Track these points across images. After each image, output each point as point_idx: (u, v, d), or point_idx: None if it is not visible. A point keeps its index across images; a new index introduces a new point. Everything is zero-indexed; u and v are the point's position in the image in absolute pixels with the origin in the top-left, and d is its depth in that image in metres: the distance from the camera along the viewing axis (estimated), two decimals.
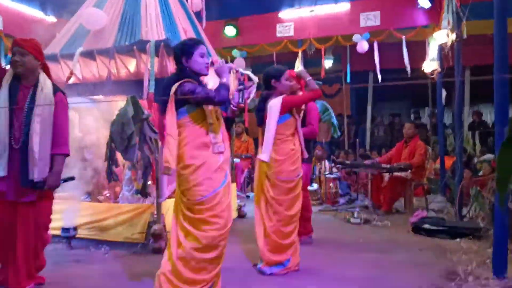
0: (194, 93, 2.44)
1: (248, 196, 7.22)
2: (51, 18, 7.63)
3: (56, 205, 4.33)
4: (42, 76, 2.87)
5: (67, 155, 2.89)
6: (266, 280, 3.15)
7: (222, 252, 2.54)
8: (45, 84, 2.84)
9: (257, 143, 3.40)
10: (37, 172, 2.70)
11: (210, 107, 2.55)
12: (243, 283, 3.07)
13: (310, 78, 3.27)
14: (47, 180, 2.74)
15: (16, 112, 2.76)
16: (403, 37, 7.33)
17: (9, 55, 2.87)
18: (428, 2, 6.80)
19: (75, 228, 4.03)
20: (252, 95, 5.48)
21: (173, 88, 2.45)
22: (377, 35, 7.60)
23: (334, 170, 7.01)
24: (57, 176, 2.81)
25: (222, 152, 2.55)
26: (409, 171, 5.69)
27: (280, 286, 3.02)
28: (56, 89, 2.90)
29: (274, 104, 3.21)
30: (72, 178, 3.10)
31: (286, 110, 3.22)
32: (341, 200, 6.62)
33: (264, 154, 3.21)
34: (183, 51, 2.56)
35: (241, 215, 5.53)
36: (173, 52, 2.67)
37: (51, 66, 4.25)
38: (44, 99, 2.78)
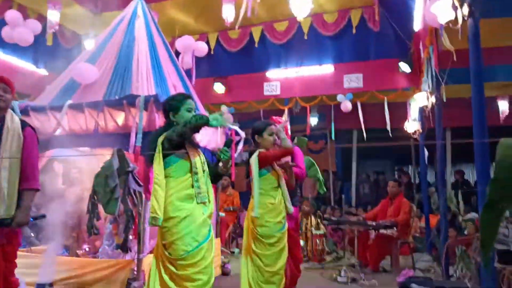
0: (174, 130, 2.46)
1: (233, 252, 7.03)
2: (42, 71, 7.77)
3: (31, 259, 4.19)
4: (9, 112, 2.85)
5: (37, 190, 2.82)
6: None
7: None
8: (12, 120, 2.83)
9: (243, 196, 3.40)
10: (4, 209, 2.63)
11: (197, 157, 2.56)
12: None
13: (284, 136, 3.34)
14: (15, 217, 2.66)
15: None
16: (385, 98, 7.62)
17: None
18: (408, 67, 7.15)
19: (50, 285, 3.84)
20: (239, 150, 5.58)
21: (161, 138, 2.49)
22: (360, 96, 7.91)
23: (321, 226, 6.94)
24: (26, 212, 2.72)
25: (204, 203, 2.53)
26: (395, 228, 5.67)
27: None
28: (24, 124, 2.89)
29: (252, 160, 3.29)
30: (43, 216, 3.01)
31: (263, 165, 3.25)
32: (328, 258, 6.49)
33: (254, 210, 3.23)
34: (171, 106, 2.63)
35: (225, 273, 5.35)
36: (162, 106, 2.74)
37: (39, 117, 4.30)
38: (12, 135, 2.76)
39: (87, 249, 4.62)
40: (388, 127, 7.53)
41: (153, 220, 2.41)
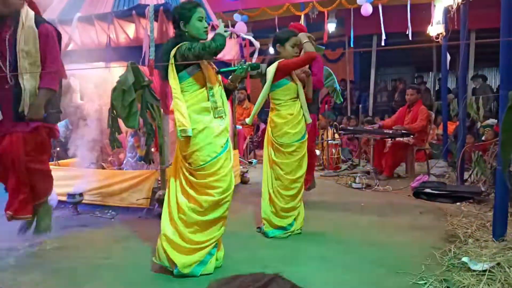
0: (191, 49, 2.40)
1: (251, 162, 7.27)
2: None
3: (60, 172, 4.41)
4: (24, 10, 2.79)
5: (53, 90, 2.87)
6: (268, 243, 3.23)
7: (225, 215, 2.59)
8: (26, 18, 2.77)
9: None
10: (21, 106, 2.75)
11: (211, 71, 2.52)
12: (245, 247, 3.14)
13: (307, 41, 3.18)
14: (28, 112, 2.78)
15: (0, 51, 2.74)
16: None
17: None
18: None
19: (81, 194, 4.09)
20: (254, 61, 5.44)
21: (172, 52, 2.43)
22: None
23: (336, 136, 7.01)
24: (38, 108, 2.81)
25: (221, 117, 2.54)
26: (411, 136, 5.68)
27: (281, 249, 3.09)
28: (40, 21, 2.84)
29: (269, 70, 3.21)
30: (59, 111, 3.07)
31: (282, 75, 3.18)
32: (343, 166, 6.66)
33: (248, 118, 3.29)
34: (181, 15, 2.51)
35: (244, 181, 5.59)
36: (171, 17, 2.62)
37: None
38: (26, 32, 2.73)
39: (111, 162, 4.81)
40: (410, 31, 7.15)
41: (182, 132, 2.42)
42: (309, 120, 3.32)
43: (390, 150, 5.80)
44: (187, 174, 2.51)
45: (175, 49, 2.44)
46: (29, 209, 2.93)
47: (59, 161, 4.96)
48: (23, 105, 2.76)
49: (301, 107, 3.26)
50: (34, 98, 2.78)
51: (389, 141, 5.80)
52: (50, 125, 2.97)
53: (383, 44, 7.59)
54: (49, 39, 2.82)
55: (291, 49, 3.20)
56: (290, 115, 3.21)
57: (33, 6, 2.87)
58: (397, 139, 5.66)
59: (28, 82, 2.73)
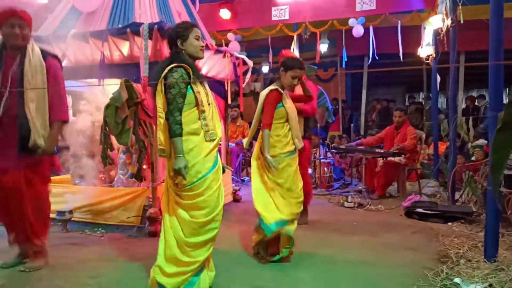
0: (167, 92, 2.41)
1: (243, 180, 7.25)
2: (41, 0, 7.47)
3: (51, 189, 4.34)
4: (30, 45, 2.83)
5: (65, 121, 2.90)
6: (257, 263, 3.18)
7: (213, 237, 2.55)
8: (33, 51, 2.80)
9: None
10: (34, 139, 2.75)
11: (201, 92, 2.52)
12: (236, 266, 3.10)
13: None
14: (45, 144, 2.79)
15: (3, 83, 2.74)
16: (399, 21, 7.29)
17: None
18: None
19: (70, 212, 4.03)
20: (247, 80, 5.49)
21: (165, 72, 2.44)
22: (373, 20, 7.55)
23: (329, 155, 7.05)
24: (53, 142, 2.85)
25: (213, 140, 2.53)
26: (403, 156, 5.72)
27: (272, 269, 3.06)
28: (45, 54, 2.86)
29: (262, 94, 3.27)
30: (67, 148, 3.14)
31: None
32: (335, 185, 6.67)
33: (244, 140, 3.34)
34: (179, 33, 2.53)
35: (236, 199, 5.56)
36: (167, 35, 2.64)
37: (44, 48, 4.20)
38: (34, 66, 2.76)
39: (102, 179, 4.77)
40: (401, 53, 7.28)
41: (161, 151, 2.46)
42: (299, 146, 3.31)
43: (382, 170, 5.84)
44: (174, 193, 2.50)
45: (167, 69, 2.44)
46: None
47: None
48: (35, 138, 2.75)
49: (289, 130, 3.25)
50: (46, 131, 2.80)
51: (380, 161, 5.84)
52: (53, 158, 2.99)
53: (373, 64, 7.71)
54: (57, 72, 2.87)
55: (291, 79, 3.23)
56: (276, 135, 3.21)
57: (27, 21, 2.88)
58: (389, 158, 5.70)
59: (33, 112, 2.74)
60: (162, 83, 2.43)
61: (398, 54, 7.34)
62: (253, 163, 3.27)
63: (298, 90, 3.64)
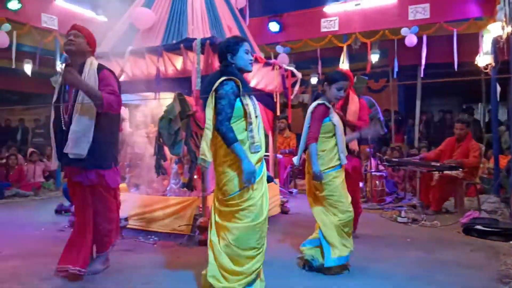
0: (217, 102, 2.48)
1: (291, 192, 7.22)
2: (102, 18, 7.98)
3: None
4: (90, 59, 3.02)
5: (101, 101, 2.83)
6: (308, 274, 3.15)
7: (262, 245, 2.56)
8: (91, 65, 2.99)
9: (300, 138, 3.40)
10: (75, 148, 2.85)
11: (249, 104, 2.56)
12: (284, 276, 3.09)
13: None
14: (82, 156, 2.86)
15: (68, 97, 2.95)
16: (454, 30, 7.02)
17: (64, 53, 3.07)
18: None
19: (126, 219, 4.21)
20: (295, 91, 5.51)
21: (216, 84, 2.51)
22: (427, 29, 7.31)
23: (381, 167, 6.85)
24: (78, 79, 2.82)
25: (258, 152, 2.56)
26: (461, 170, 5.44)
27: (322, 281, 3.01)
28: (101, 68, 3.03)
29: (309, 110, 3.29)
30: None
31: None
32: (388, 199, 6.46)
33: (295, 158, 3.37)
34: (229, 48, 2.61)
35: (284, 211, 5.54)
36: (218, 49, 2.72)
37: (103, 64, 4.47)
38: (88, 79, 2.91)
39: (156, 188, 4.95)
40: (455, 62, 6.98)
41: (202, 161, 2.54)
42: (344, 161, 3.26)
43: (438, 184, 5.58)
44: (218, 203, 2.56)
45: (218, 82, 2.51)
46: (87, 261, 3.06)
47: None
48: (71, 146, 2.85)
49: (336, 144, 3.22)
50: (81, 140, 2.86)
51: (436, 174, 5.59)
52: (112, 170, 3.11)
53: (427, 74, 7.44)
54: (109, 80, 3.00)
55: (336, 92, 3.22)
56: (322, 151, 3.19)
57: (85, 34, 3.09)
58: (445, 172, 5.43)
59: (82, 124, 2.87)
60: (213, 96, 2.51)
61: (452, 64, 7.04)
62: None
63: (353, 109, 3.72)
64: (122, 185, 5.06)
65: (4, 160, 7.61)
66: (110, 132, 3.07)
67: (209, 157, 2.52)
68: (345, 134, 3.46)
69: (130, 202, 4.36)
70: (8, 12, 6.80)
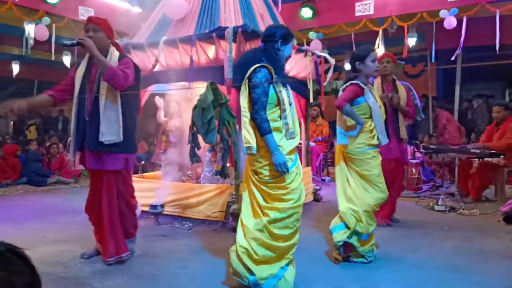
0: (252, 91, 2.49)
1: (324, 180, 7.17)
2: (137, 9, 8.13)
3: (144, 184, 4.71)
4: (111, 50, 3.06)
5: (106, 71, 2.85)
6: (341, 263, 3.14)
7: (296, 230, 2.57)
8: (112, 55, 3.03)
9: (332, 125, 3.36)
10: (106, 134, 2.91)
11: (283, 91, 2.56)
12: (316, 265, 3.10)
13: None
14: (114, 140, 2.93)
15: (89, 87, 3.01)
16: (497, 10, 6.65)
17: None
18: None
19: (162, 205, 4.34)
20: (328, 78, 5.42)
21: (249, 72, 2.51)
22: (467, 10, 6.97)
23: (418, 155, 6.68)
24: (94, 48, 2.85)
25: (293, 138, 2.56)
26: (502, 156, 5.22)
27: (355, 270, 3.00)
28: (122, 57, 3.07)
29: (341, 89, 3.23)
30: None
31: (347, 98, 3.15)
32: (424, 187, 6.30)
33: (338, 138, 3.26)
34: (284, 36, 2.63)
35: (317, 199, 5.53)
36: (269, 31, 2.68)
37: (138, 54, 4.58)
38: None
39: (190, 175, 5.05)
40: (497, 45, 6.63)
41: (247, 149, 2.52)
42: (383, 142, 3.20)
43: (477, 171, 5.39)
44: (260, 186, 2.56)
45: (252, 69, 2.51)
46: (125, 247, 3.17)
47: (143, 174, 5.32)
48: (102, 132, 2.91)
49: (374, 127, 3.15)
50: (110, 126, 2.92)
51: (476, 162, 5.39)
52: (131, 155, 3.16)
53: (467, 58, 7.12)
54: (127, 62, 3.04)
55: (372, 64, 3.15)
56: (359, 131, 3.13)
57: (117, 47, 3.16)
58: (486, 159, 5.23)
59: (108, 110, 2.93)
60: (247, 84, 2.52)
61: (494, 47, 6.70)
62: (337, 167, 3.26)
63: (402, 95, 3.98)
64: (158, 172, 5.21)
65: (46, 149, 7.99)
66: (133, 117, 3.13)
67: (253, 143, 2.51)
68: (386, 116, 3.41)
69: (165, 189, 4.48)
70: (47, 5, 7.06)
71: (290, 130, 2.54)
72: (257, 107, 2.47)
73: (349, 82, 3.18)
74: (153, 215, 4.36)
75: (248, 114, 2.52)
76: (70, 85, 3.08)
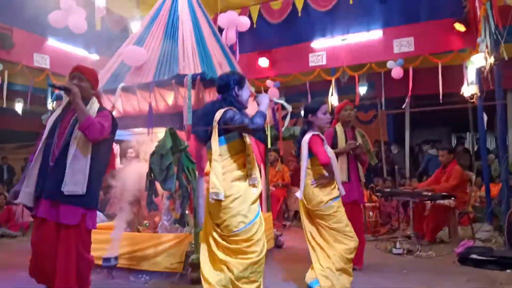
0: (232, 120, 2.49)
1: (284, 225, 7.14)
2: (94, 56, 8.09)
3: (97, 235, 4.45)
4: (92, 100, 2.96)
5: (86, 125, 2.73)
6: None
7: (260, 281, 2.51)
8: (92, 106, 2.92)
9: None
10: (69, 184, 2.71)
11: (248, 139, 2.58)
12: None
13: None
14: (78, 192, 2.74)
15: (60, 132, 2.86)
16: (439, 62, 7.21)
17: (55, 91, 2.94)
18: (463, 26, 6.69)
19: (116, 258, 4.11)
20: (286, 124, 5.55)
21: (217, 116, 2.51)
22: (412, 61, 7.51)
23: (374, 198, 6.84)
24: (77, 97, 2.75)
25: (255, 184, 2.56)
26: (452, 198, 5.46)
27: None
28: (101, 109, 2.97)
29: (304, 141, 3.25)
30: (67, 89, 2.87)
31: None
32: (382, 230, 6.41)
33: (298, 192, 3.25)
34: (237, 80, 2.67)
35: (278, 245, 5.45)
36: (222, 80, 2.73)
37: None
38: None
39: (147, 225, 4.86)
40: (440, 93, 7.13)
41: (214, 194, 2.43)
42: (342, 192, 3.27)
43: (431, 214, 5.57)
44: (220, 240, 2.49)
45: (221, 112, 2.52)
46: None
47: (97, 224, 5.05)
48: (66, 182, 2.72)
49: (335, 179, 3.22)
50: (76, 176, 2.75)
51: (429, 204, 5.59)
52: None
53: (414, 105, 7.57)
54: (106, 115, 2.92)
55: (324, 116, 3.25)
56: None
57: (98, 98, 3.06)
58: (438, 202, 5.44)
59: (70, 157, 2.76)
60: (216, 127, 2.50)
61: (438, 95, 7.19)
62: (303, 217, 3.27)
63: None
64: (112, 223, 4.97)
65: None
66: (100, 172, 2.96)
67: (221, 189, 2.44)
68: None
69: (120, 240, 4.26)
70: (0, 51, 6.87)
71: (253, 177, 2.53)
72: (247, 120, 2.46)
73: (311, 134, 3.24)
74: (106, 268, 4.11)
75: (219, 158, 2.48)
76: None
